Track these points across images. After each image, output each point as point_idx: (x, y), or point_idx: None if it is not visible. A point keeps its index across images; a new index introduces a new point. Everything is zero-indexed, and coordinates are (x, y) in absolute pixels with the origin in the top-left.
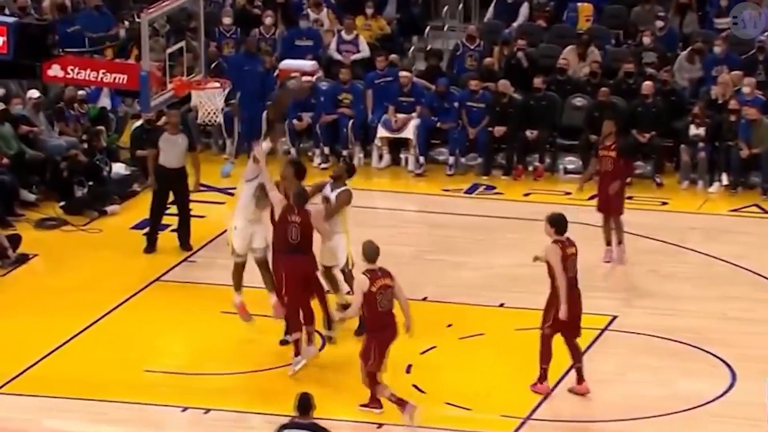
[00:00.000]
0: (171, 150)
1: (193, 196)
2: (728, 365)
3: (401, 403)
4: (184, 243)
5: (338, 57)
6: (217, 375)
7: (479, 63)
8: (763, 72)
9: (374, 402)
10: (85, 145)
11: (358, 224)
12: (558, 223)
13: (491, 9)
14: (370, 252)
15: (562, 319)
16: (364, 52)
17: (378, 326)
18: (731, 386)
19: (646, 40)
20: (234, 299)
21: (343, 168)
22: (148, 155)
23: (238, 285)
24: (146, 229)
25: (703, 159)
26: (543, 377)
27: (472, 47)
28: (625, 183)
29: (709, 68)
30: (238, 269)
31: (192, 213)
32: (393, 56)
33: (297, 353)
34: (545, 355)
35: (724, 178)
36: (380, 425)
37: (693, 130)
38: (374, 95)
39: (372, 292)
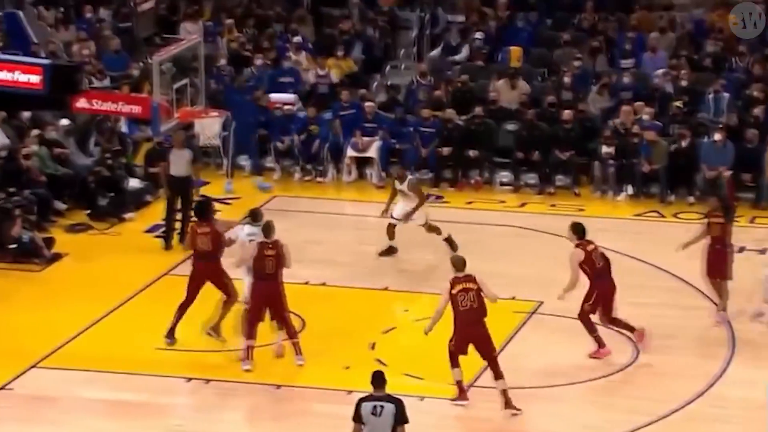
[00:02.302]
0: (178, 161)
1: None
2: (632, 341)
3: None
4: (184, 238)
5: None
6: (215, 352)
7: (430, 95)
8: (658, 105)
9: (462, 395)
10: (110, 162)
11: (331, 228)
12: (578, 230)
13: (438, 50)
14: (458, 263)
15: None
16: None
17: (460, 323)
18: (636, 358)
19: (566, 80)
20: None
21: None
22: (160, 168)
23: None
24: (159, 231)
25: (612, 173)
26: (600, 344)
27: (423, 82)
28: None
29: (617, 98)
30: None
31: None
32: (362, 90)
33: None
34: (590, 327)
35: (629, 189)
36: (350, 392)
37: (604, 149)
38: (342, 122)
39: (454, 294)
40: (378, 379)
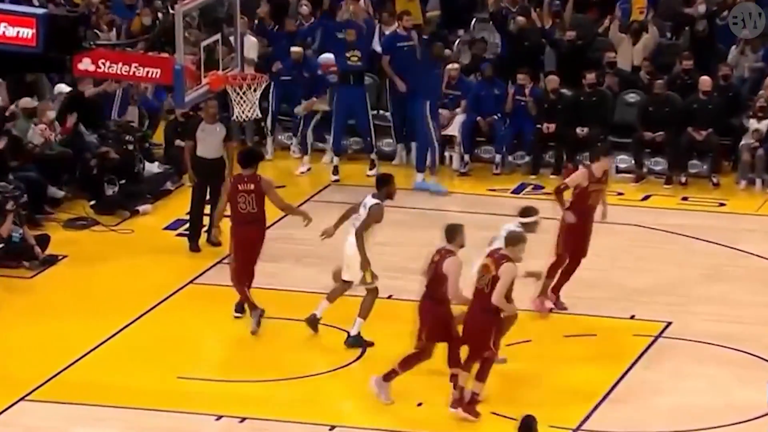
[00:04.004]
0: (209, 140)
1: None
2: None
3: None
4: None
5: (379, 50)
6: (252, 382)
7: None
8: None
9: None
10: (130, 146)
11: (400, 225)
12: None
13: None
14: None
15: None
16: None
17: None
18: None
19: (702, 36)
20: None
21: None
22: (184, 148)
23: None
24: (182, 229)
25: (761, 157)
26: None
27: None
28: None
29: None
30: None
31: (226, 213)
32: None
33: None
34: None
35: None
36: None
37: (752, 126)
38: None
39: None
40: (523, 426)
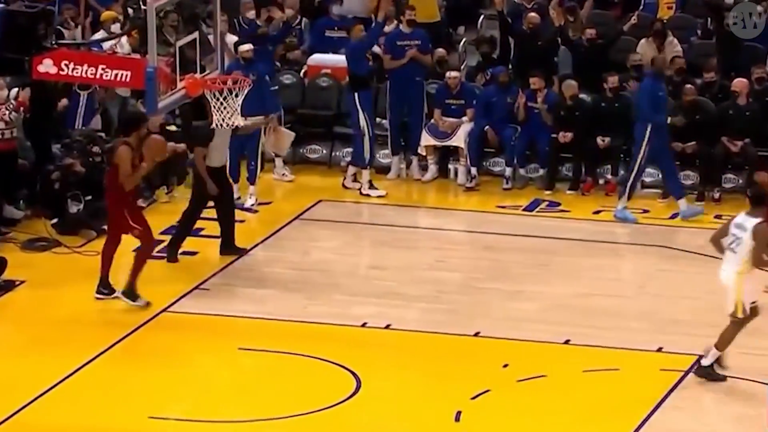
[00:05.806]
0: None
1: (209, 213)
2: None
3: None
4: (229, 245)
5: (377, 51)
6: (233, 422)
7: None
8: None
9: None
10: (98, 158)
11: (399, 246)
12: None
13: None
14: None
15: None
16: None
17: None
18: None
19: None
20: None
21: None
22: (195, 156)
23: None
24: (155, 251)
25: None
26: None
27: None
28: None
29: None
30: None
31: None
32: (439, 51)
33: None
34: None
35: None
36: None
37: None
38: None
39: None
40: None
